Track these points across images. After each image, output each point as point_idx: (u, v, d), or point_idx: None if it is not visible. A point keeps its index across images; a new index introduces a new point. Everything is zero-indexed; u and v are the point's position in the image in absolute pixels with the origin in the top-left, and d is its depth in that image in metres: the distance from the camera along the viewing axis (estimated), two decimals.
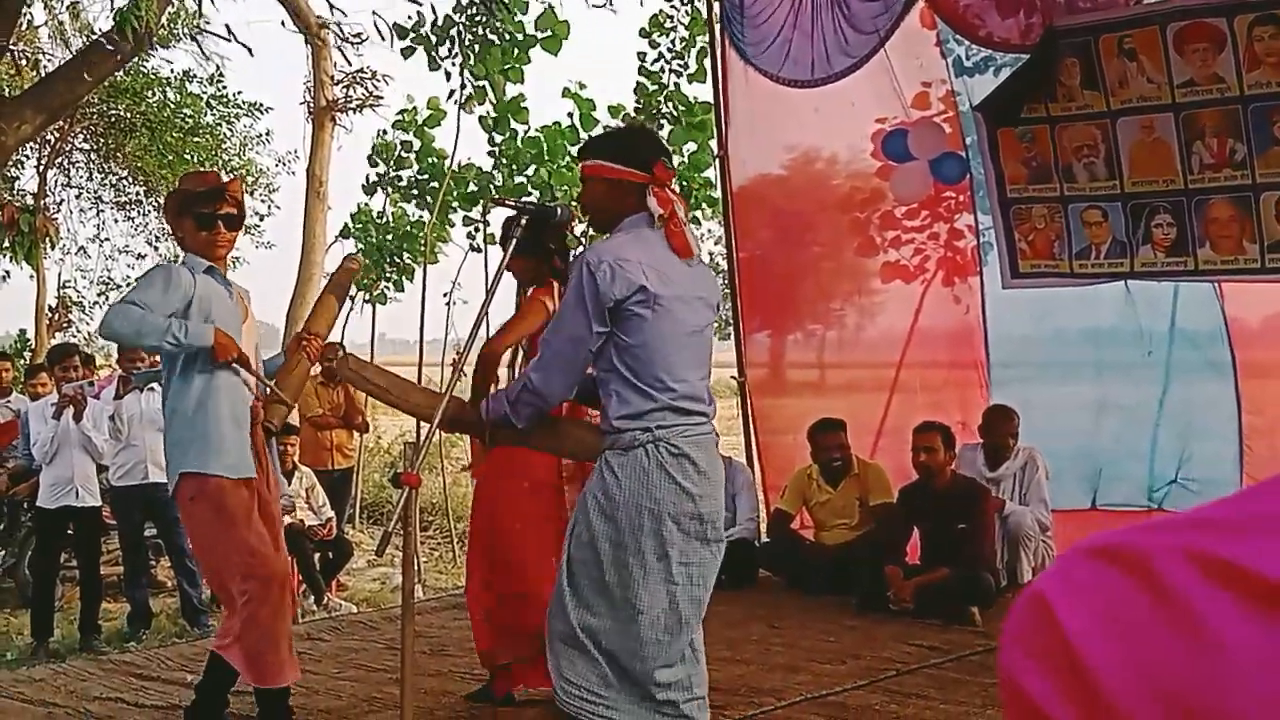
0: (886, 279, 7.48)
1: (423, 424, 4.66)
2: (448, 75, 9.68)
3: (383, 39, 8.53)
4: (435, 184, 10.50)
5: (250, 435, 4.00)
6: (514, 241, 3.51)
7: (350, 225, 11.10)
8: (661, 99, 10.35)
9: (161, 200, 14.97)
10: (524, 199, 8.84)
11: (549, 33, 9.64)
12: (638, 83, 10.37)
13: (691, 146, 10.25)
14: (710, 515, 3.20)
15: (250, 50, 10.98)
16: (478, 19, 9.51)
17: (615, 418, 3.17)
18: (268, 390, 4.08)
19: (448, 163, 10.41)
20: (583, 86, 10.35)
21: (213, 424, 3.85)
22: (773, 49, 7.08)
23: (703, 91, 9.91)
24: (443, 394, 3.56)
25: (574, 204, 10.02)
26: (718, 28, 7.56)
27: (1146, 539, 0.59)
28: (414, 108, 10.77)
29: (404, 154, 10.77)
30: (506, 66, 9.63)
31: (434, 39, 9.57)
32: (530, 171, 10.38)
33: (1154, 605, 0.57)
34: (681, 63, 10.40)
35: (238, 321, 4.03)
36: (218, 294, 3.95)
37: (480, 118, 10.03)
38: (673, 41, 10.41)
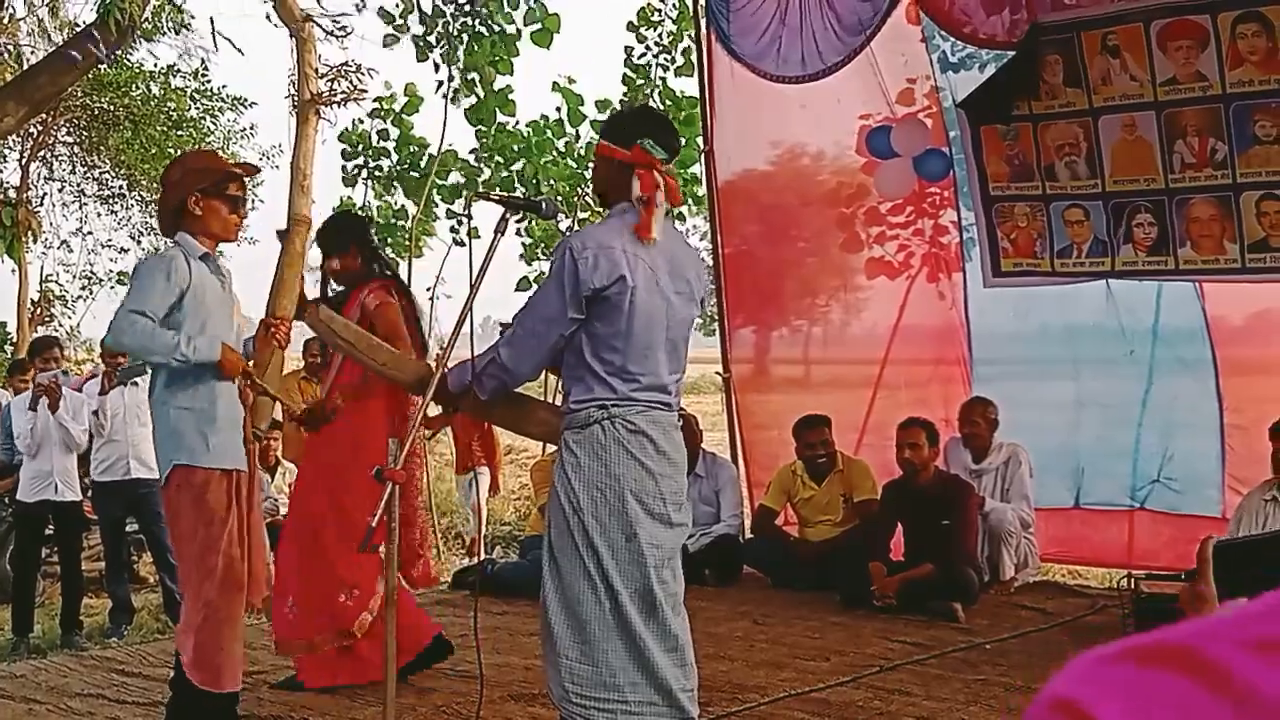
0: (871, 275, 7.48)
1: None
2: (436, 66, 9.63)
3: (359, 9, 8.47)
4: (415, 174, 10.43)
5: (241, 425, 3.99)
6: (499, 235, 3.50)
7: None
8: (648, 93, 10.34)
9: (144, 194, 14.91)
10: (510, 193, 8.82)
11: (539, 26, 9.60)
12: (624, 76, 10.35)
13: None
14: (671, 496, 3.18)
15: (223, 41, 10.94)
16: (466, 9, 9.46)
17: (574, 400, 3.19)
18: (268, 395, 4.06)
19: (430, 152, 10.33)
20: (572, 81, 10.32)
21: (205, 417, 3.83)
22: (759, 44, 7.07)
23: (689, 86, 9.92)
24: (412, 359, 3.70)
25: (560, 198, 10.08)
26: (704, 22, 7.54)
27: (1177, 637, 0.59)
28: (391, 94, 10.66)
29: (382, 143, 10.68)
30: (495, 59, 9.58)
31: (422, 29, 9.52)
32: (517, 166, 10.34)
33: (1195, 688, 0.56)
34: (668, 57, 10.39)
35: (228, 311, 4.01)
36: (211, 282, 3.92)
37: (467, 111, 9.97)
38: (659, 35, 10.40)
